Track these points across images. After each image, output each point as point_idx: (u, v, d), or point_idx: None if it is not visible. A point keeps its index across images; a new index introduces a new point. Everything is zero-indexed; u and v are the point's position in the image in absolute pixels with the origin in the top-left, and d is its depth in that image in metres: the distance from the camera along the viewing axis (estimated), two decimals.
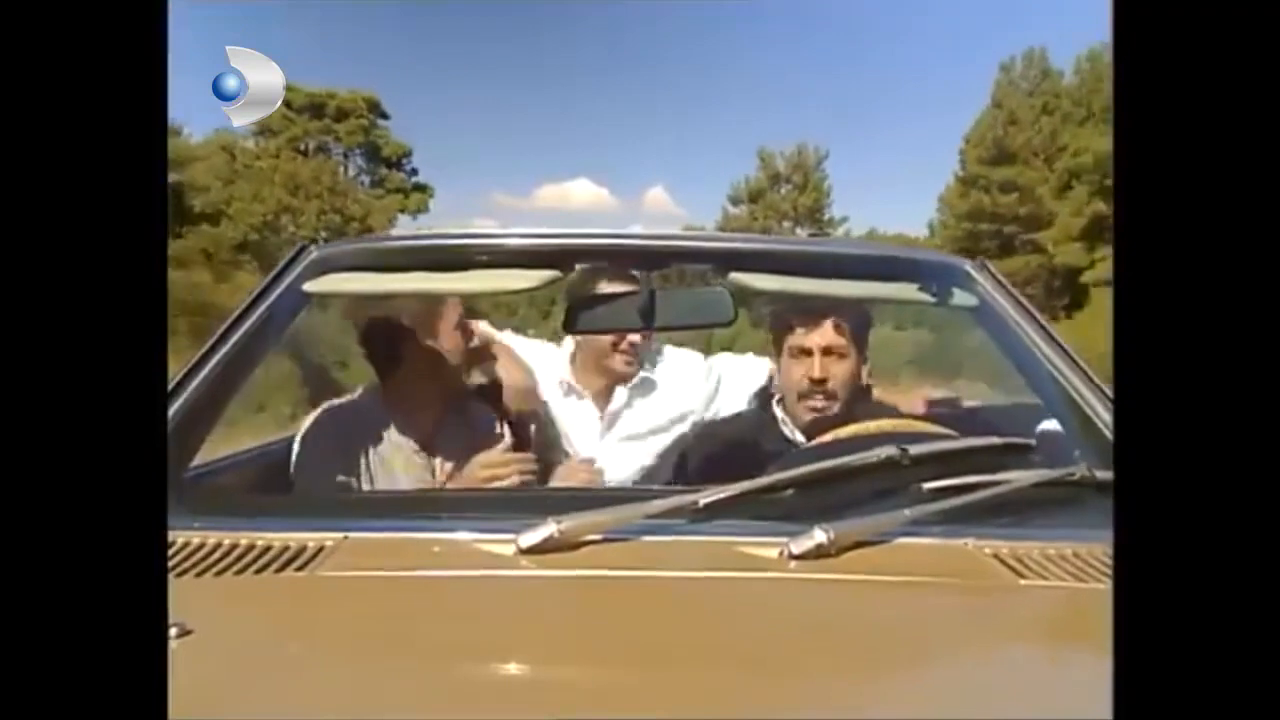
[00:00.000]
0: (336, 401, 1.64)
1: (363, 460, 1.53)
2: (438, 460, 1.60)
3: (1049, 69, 25.52)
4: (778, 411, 1.72)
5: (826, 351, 1.61)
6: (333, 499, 1.38)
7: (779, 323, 1.70)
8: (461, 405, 1.67)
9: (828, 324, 1.62)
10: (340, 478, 1.50)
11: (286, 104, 25.19)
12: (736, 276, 1.34)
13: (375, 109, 30.79)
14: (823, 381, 1.61)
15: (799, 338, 1.63)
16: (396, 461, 1.56)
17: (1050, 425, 1.35)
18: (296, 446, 1.55)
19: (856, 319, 1.66)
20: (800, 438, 1.63)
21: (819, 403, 1.61)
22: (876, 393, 1.73)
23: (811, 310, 1.62)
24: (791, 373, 1.64)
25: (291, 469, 1.53)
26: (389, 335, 1.60)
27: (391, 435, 1.58)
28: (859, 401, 1.65)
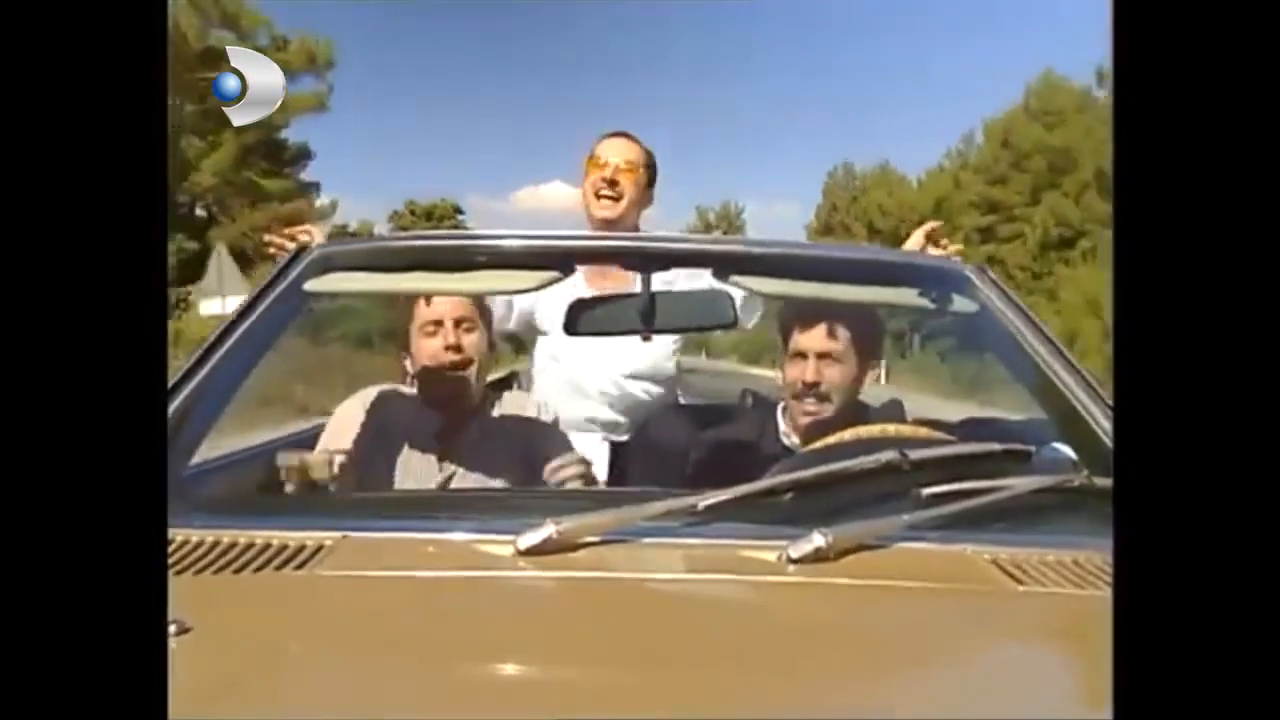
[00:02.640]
0: (388, 387, 1.65)
1: (392, 453, 1.54)
2: (448, 464, 1.59)
3: (854, 175, 40.52)
4: (780, 419, 1.73)
5: (821, 355, 1.63)
6: (333, 499, 1.38)
7: (783, 326, 1.71)
8: (482, 413, 1.66)
9: (822, 328, 1.63)
10: (369, 466, 1.51)
11: (411, 212, 39.70)
12: (737, 279, 1.34)
13: (458, 210, 42.99)
14: (814, 385, 1.63)
15: (797, 341, 1.66)
16: (414, 461, 1.56)
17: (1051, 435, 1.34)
18: (336, 419, 1.56)
19: (862, 325, 1.67)
20: (796, 443, 1.63)
21: (812, 406, 1.64)
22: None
23: (810, 314, 1.64)
24: (789, 374, 1.67)
25: (325, 439, 1.54)
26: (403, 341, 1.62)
27: (417, 435, 1.59)
28: (857, 407, 1.66)
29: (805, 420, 1.64)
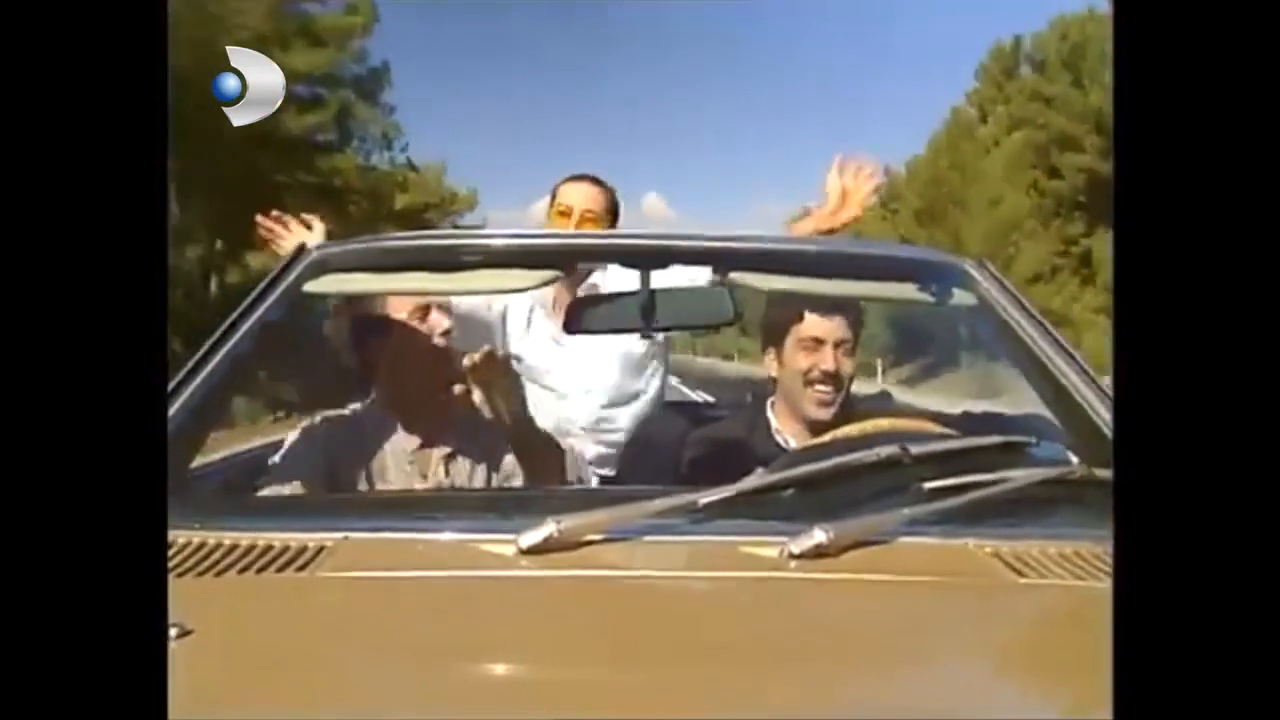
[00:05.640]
0: (331, 412, 1.59)
1: (353, 473, 1.49)
2: (434, 461, 1.55)
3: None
4: (771, 417, 1.70)
5: (838, 344, 1.62)
6: (333, 499, 1.38)
7: (782, 314, 1.68)
8: (452, 404, 1.63)
9: (841, 318, 1.62)
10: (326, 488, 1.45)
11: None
12: (737, 276, 1.34)
13: None
14: (835, 374, 1.61)
15: (811, 327, 1.63)
16: (390, 473, 1.52)
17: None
18: (280, 456, 1.50)
19: (858, 317, 1.68)
20: (793, 444, 1.62)
21: (827, 394, 1.61)
22: None
23: (824, 302, 1.61)
24: (798, 362, 1.63)
25: (271, 474, 1.48)
26: (358, 342, 1.57)
27: (386, 444, 1.53)
28: (851, 399, 1.66)
29: (816, 409, 1.61)
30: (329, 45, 17.27)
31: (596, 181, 2.07)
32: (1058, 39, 24.09)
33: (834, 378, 1.61)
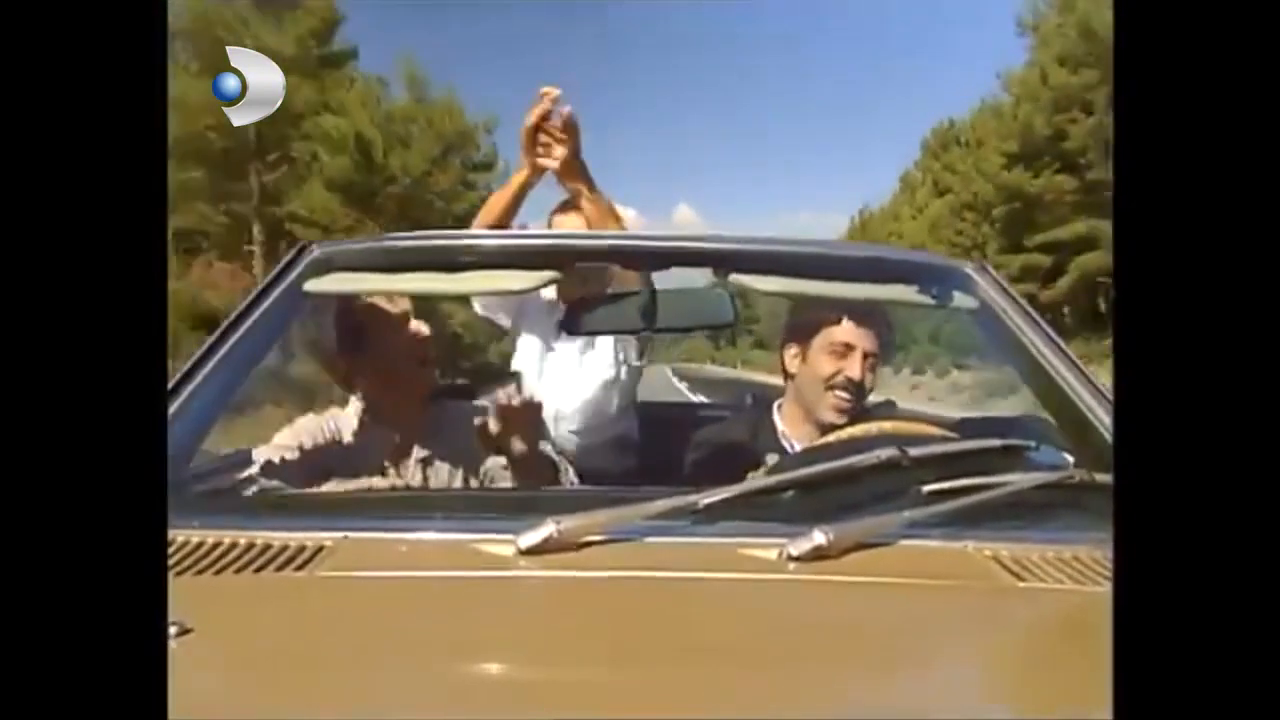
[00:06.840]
0: (312, 415, 1.59)
1: (331, 475, 1.47)
2: (411, 465, 1.56)
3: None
4: (776, 420, 1.70)
5: (867, 355, 1.60)
6: (333, 499, 1.38)
7: (813, 314, 1.65)
8: (436, 404, 1.63)
9: (874, 329, 1.61)
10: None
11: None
12: (737, 278, 1.34)
13: None
14: (859, 384, 1.59)
15: (845, 333, 1.60)
16: (367, 475, 1.49)
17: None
18: (262, 458, 1.49)
19: (888, 331, 1.66)
20: (796, 448, 1.61)
21: (847, 402, 1.59)
22: None
23: (859, 309, 1.59)
24: (823, 365, 1.61)
25: (253, 476, 1.46)
26: (341, 347, 1.56)
27: (364, 447, 1.53)
28: (866, 410, 1.65)
29: (832, 415, 1.59)
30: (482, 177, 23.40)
31: (580, 207, 1.99)
32: (970, 128, 30.96)
33: (857, 387, 1.59)
